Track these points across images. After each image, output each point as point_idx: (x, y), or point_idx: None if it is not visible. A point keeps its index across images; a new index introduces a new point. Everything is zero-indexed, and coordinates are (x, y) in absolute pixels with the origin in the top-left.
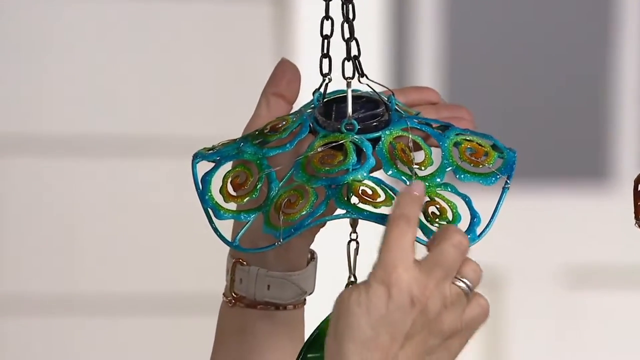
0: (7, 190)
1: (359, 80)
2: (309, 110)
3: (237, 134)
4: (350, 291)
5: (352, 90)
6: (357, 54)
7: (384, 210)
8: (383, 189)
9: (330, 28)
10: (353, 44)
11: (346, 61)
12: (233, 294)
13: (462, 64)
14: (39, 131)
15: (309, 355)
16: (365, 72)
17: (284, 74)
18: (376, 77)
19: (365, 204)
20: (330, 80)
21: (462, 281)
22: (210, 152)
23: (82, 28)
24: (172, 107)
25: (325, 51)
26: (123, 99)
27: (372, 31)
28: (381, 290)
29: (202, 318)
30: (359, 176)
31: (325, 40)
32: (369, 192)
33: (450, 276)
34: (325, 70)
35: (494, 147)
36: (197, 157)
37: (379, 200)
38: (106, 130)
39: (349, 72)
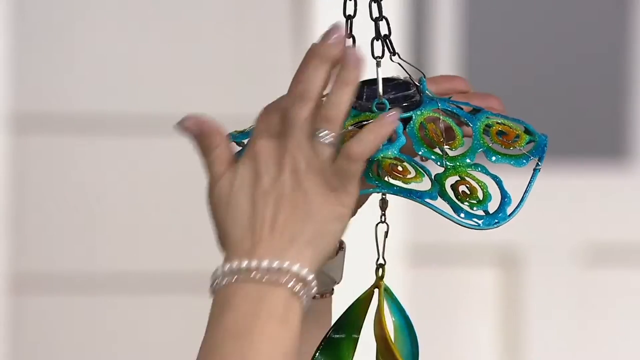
0: (30, 168)
1: (391, 59)
2: None
3: (258, 111)
4: None
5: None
6: (387, 33)
7: (414, 186)
8: (413, 167)
9: (353, 8)
10: (383, 23)
11: (375, 40)
12: None
13: (480, 42)
14: (62, 110)
15: (335, 336)
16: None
17: None
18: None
19: (395, 179)
20: None
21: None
22: (241, 133)
23: (106, 8)
24: (195, 86)
25: (348, 31)
26: (147, 78)
27: (390, 11)
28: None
29: None
30: (390, 153)
31: (349, 21)
32: (400, 168)
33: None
34: None
35: (526, 131)
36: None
37: (409, 176)
38: (130, 109)
39: (378, 51)
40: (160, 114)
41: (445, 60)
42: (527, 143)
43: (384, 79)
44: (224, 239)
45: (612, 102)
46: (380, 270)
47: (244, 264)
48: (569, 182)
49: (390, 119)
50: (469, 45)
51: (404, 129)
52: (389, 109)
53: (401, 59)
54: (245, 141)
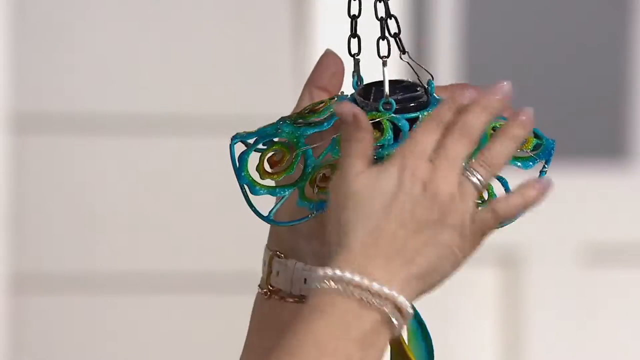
0: (30, 168)
1: (401, 58)
2: (348, 94)
3: (258, 111)
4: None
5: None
6: (397, 32)
7: None
8: None
9: (357, 8)
10: (392, 21)
11: (381, 40)
12: (269, 286)
13: (480, 42)
14: (62, 110)
15: None
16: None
17: (328, 67)
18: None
19: None
20: (358, 60)
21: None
22: (249, 133)
23: (106, 8)
24: (195, 86)
25: (353, 31)
26: (147, 78)
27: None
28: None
29: (227, 297)
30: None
31: (353, 21)
32: None
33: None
34: (355, 50)
35: (534, 135)
36: (236, 137)
37: None
38: (130, 109)
39: (383, 51)
40: (160, 114)
41: (445, 60)
42: (535, 146)
43: (392, 81)
44: (339, 237)
45: (612, 102)
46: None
47: (355, 278)
48: (569, 182)
49: (542, 186)
50: (469, 45)
51: (410, 128)
52: (396, 109)
53: (411, 58)
54: (251, 141)
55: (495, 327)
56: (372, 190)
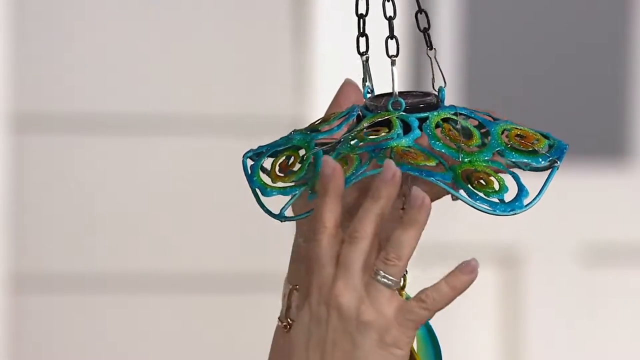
0: (30, 168)
1: (427, 54)
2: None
3: (258, 111)
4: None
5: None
6: (427, 27)
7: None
8: (427, 153)
9: (365, 7)
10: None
11: (389, 39)
12: (289, 320)
13: (479, 42)
14: (62, 110)
15: None
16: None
17: (348, 97)
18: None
19: (407, 160)
20: (367, 59)
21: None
22: (261, 146)
23: (106, 8)
24: (195, 86)
25: (361, 30)
26: (147, 78)
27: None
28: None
29: (227, 297)
30: (403, 142)
31: (361, 20)
32: (412, 152)
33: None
34: (363, 49)
35: (547, 138)
36: (250, 151)
37: (420, 159)
38: (130, 109)
39: (392, 50)
40: (160, 114)
41: (445, 60)
42: (547, 145)
43: (405, 92)
44: None
45: (612, 102)
46: (402, 279)
47: None
48: (568, 182)
49: (471, 268)
50: (468, 45)
51: (419, 126)
52: (406, 108)
53: (434, 56)
54: (263, 150)
55: (495, 327)
56: (295, 333)
